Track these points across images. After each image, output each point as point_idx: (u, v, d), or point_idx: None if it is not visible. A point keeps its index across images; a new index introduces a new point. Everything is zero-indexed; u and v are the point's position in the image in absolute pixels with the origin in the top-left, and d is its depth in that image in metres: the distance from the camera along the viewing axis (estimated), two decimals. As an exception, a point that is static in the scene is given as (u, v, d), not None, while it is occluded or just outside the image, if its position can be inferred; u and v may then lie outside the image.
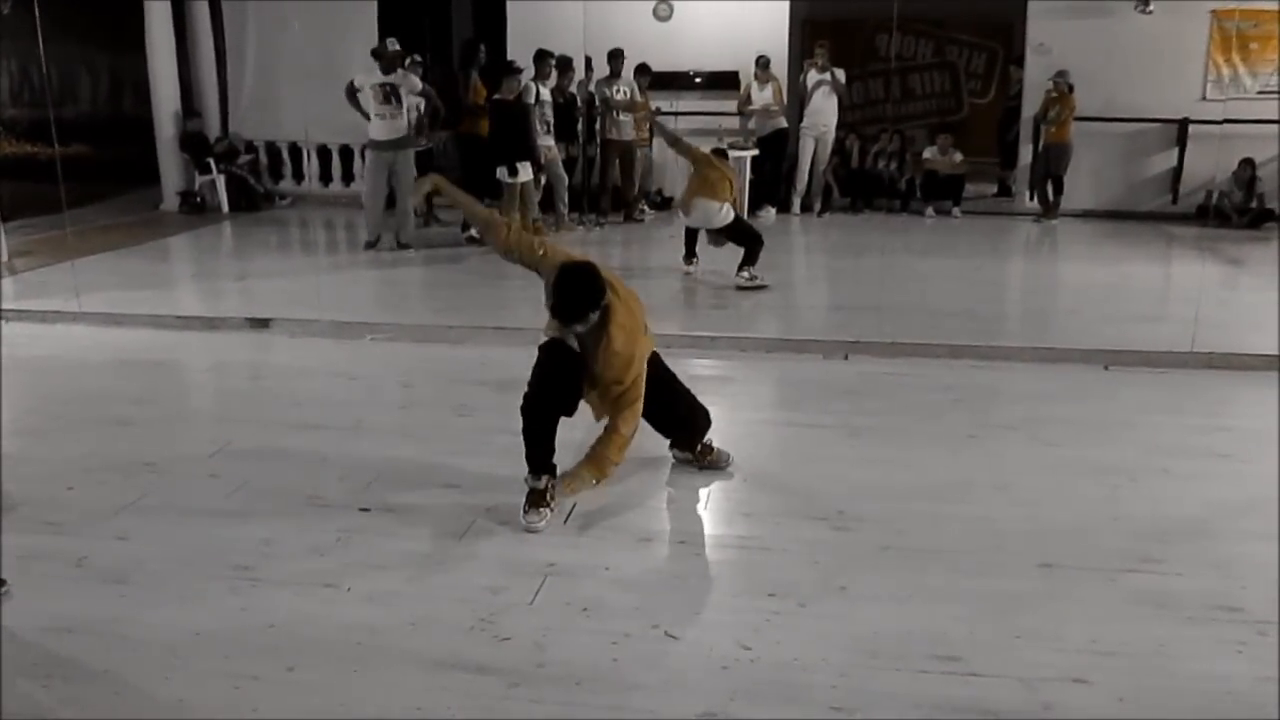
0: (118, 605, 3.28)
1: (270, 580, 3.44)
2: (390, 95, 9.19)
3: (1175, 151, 11.45)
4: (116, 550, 3.65)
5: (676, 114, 11.29)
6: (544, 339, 3.91)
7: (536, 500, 3.88)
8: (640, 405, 3.88)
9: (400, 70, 9.28)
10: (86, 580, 3.45)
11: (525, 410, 3.88)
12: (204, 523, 3.87)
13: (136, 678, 2.89)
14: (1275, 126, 10.72)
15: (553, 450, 3.96)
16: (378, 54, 9.31)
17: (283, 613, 3.23)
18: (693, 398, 4.25)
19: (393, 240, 9.55)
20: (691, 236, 8.28)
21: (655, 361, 4.03)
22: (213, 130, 12.36)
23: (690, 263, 8.29)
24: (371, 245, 9.51)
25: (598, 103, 10.88)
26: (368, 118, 9.24)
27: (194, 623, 3.16)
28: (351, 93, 9.26)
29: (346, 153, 12.09)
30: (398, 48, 9.26)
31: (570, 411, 3.93)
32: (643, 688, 2.87)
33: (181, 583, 3.42)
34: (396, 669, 2.94)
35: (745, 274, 7.98)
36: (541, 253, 4.00)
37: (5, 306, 7.03)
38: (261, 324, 6.81)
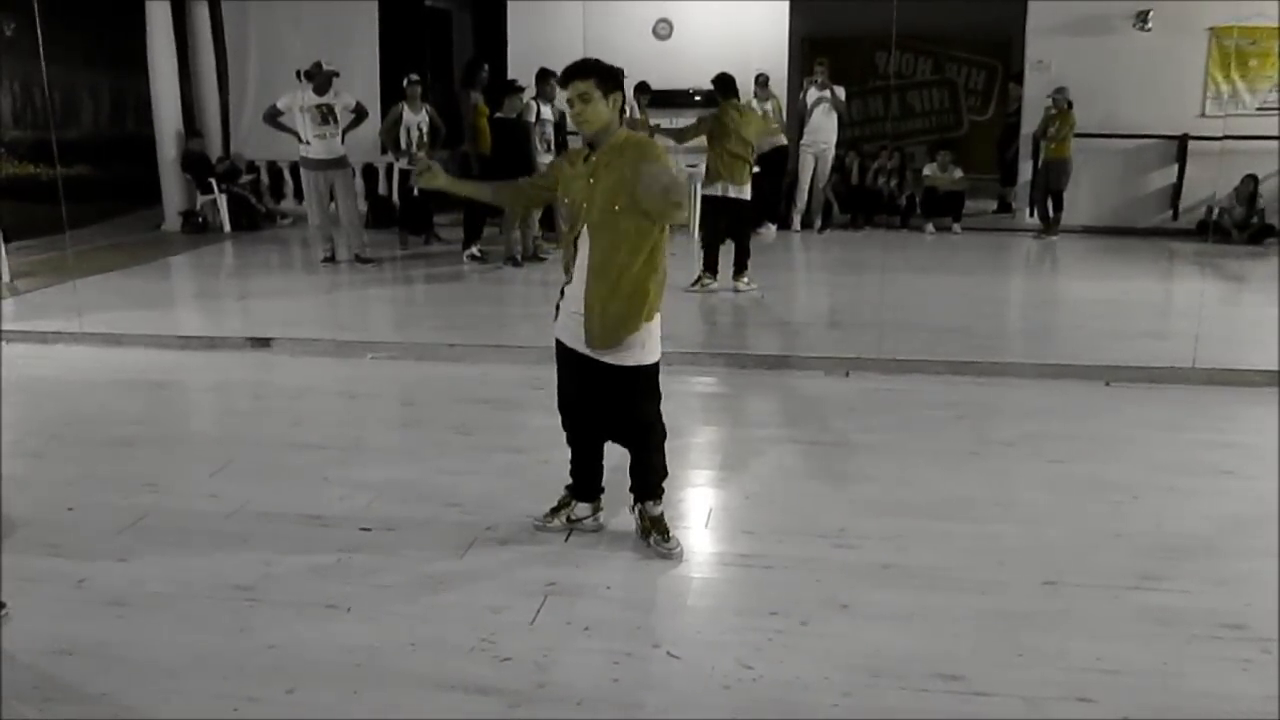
0: (117, 627, 3.27)
1: (270, 601, 3.43)
2: (328, 115, 9.25)
3: (1175, 168, 11.47)
4: (116, 572, 3.64)
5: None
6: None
7: (556, 508, 3.98)
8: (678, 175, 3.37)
9: (332, 90, 9.32)
10: (86, 602, 3.44)
11: (566, 430, 3.91)
12: (204, 544, 3.87)
13: (135, 700, 2.88)
14: (1275, 143, 10.75)
15: (597, 475, 3.95)
16: (309, 75, 9.33)
17: (283, 634, 3.22)
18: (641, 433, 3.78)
19: (349, 254, 9.67)
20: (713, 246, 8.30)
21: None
22: (214, 150, 12.39)
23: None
24: (329, 260, 9.65)
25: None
26: (299, 139, 9.29)
27: (193, 644, 3.15)
28: (273, 115, 9.29)
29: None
30: (330, 68, 9.28)
31: (611, 433, 3.85)
32: (644, 708, 2.86)
33: (181, 604, 3.41)
34: (397, 690, 2.92)
35: (744, 280, 8.26)
36: (553, 172, 3.84)
37: (7, 327, 7.04)
38: (262, 343, 6.81)
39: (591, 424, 3.85)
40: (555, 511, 3.98)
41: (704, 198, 8.31)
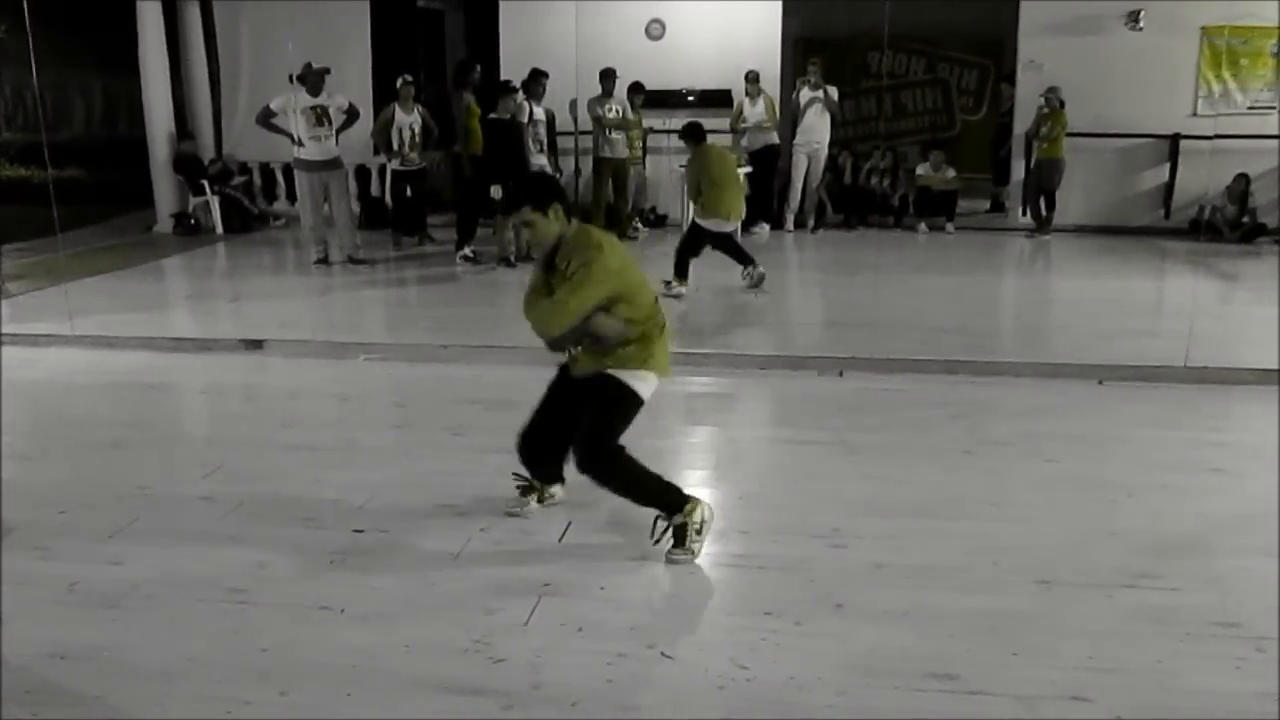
0: (110, 630, 3.26)
1: (263, 603, 3.42)
2: (322, 117, 9.22)
3: (1167, 167, 11.50)
4: (109, 575, 3.62)
5: (669, 132, 11.32)
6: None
7: (524, 490, 4.11)
8: (571, 309, 3.58)
9: (325, 90, 9.29)
10: (79, 605, 3.43)
11: (520, 444, 3.98)
12: (197, 546, 3.85)
13: (129, 703, 2.87)
14: (1266, 142, 10.79)
15: (553, 466, 4.04)
16: (302, 76, 9.29)
17: (276, 636, 3.21)
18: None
19: (342, 255, 9.65)
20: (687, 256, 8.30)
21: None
22: (207, 152, 12.36)
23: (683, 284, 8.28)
24: (323, 261, 9.61)
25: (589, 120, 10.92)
26: (294, 140, 9.25)
27: (187, 647, 3.14)
28: (266, 117, 9.29)
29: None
30: (322, 67, 9.26)
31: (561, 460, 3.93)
32: (639, 709, 2.86)
33: (174, 607, 3.40)
34: (391, 692, 2.92)
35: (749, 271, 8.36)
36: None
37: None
38: (255, 345, 6.80)
39: (552, 454, 3.95)
40: (525, 494, 4.11)
41: (695, 224, 8.29)
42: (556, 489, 4.15)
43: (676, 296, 8.11)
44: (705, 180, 8.09)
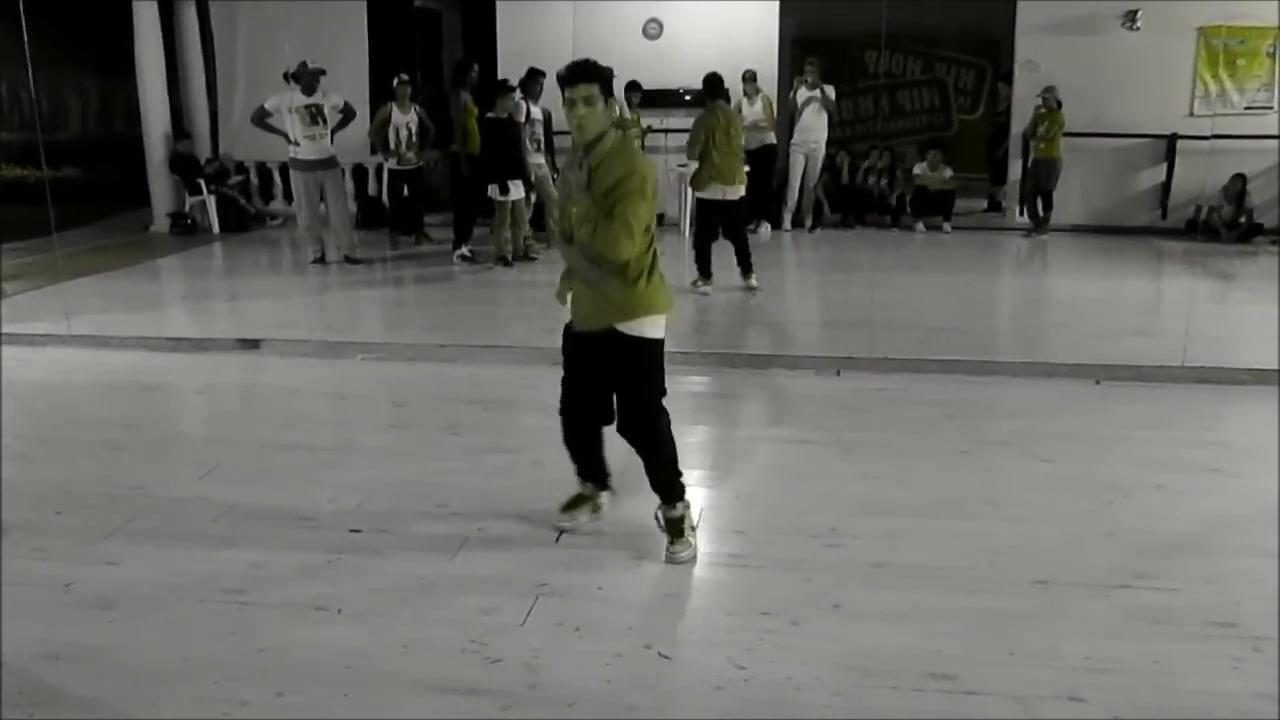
0: (106, 631, 3.25)
1: (260, 604, 3.41)
2: (316, 116, 9.19)
3: (1164, 167, 11.51)
4: (105, 575, 3.62)
5: (667, 131, 11.32)
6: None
7: (574, 502, 3.98)
8: (634, 231, 3.47)
9: (320, 90, 9.26)
10: (74, 606, 3.42)
11: (561, 416, 3.86)
12: (193, 546, 3.85)
13: (125, 705, 2.86)
14: (1263, 142, 10.80)
15: (597, 460, 3.95)
16: (296, 76, 9.27)
17: (272, 636, 3.21)
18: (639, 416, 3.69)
19: (339, 255, 9.65)
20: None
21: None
22: (203, 151, 12.34)
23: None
24: (320, 261, 9.60)
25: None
26: (289, 140, 9.22)
27: (183, 648, 3.14)
28: (261, 117, 9.27)
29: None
30: (316, 67, 9.24)
31: (608, 417, 3.78)
32: (636, 709, 2.85)
33: (170, 608, 3.40)
34: (387, 692, 2.91)
35: (753, 278, 8.32)
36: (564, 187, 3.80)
37: (-5, 330, 7.00)
38: (252, 345, 6.79)
39: (588, 411, 3.81)
40: (574, 507, 3.99)
41: (699, 200, 8.28)
42: (605, 498, 4.02)
43: (704, 295, 8.12)
44: (709, 141, 7.98)
